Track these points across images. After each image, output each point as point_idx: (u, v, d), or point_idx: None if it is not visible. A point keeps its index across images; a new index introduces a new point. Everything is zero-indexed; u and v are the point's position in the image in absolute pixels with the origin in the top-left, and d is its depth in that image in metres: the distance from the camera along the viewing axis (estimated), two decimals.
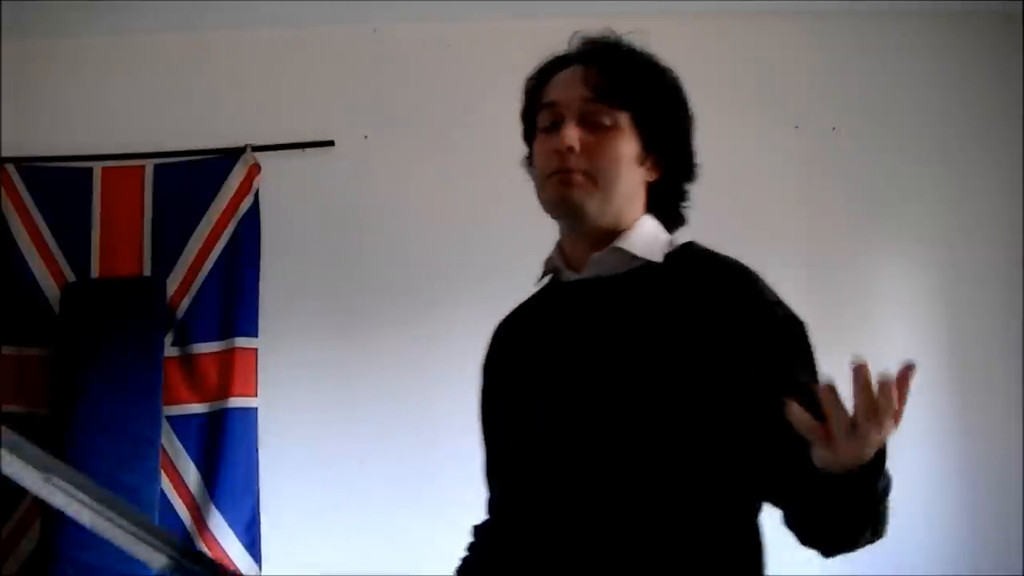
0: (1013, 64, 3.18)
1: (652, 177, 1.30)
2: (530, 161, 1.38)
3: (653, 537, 1.13)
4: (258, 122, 3.13)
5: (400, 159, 3.14)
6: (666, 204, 1.34)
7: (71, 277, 3.01)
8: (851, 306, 3.10)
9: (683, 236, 1.36)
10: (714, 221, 3.31)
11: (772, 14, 3.18)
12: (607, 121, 1.25)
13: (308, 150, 3.11)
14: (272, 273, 3.06)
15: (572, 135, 1.23)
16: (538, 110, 1.33)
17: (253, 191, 3.07)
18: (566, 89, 1.29)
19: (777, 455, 1.11)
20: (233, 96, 3.18)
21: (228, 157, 3.09)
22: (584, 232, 1.27)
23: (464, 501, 3.17)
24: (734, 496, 1.18)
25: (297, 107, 3.18)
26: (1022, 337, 3.06)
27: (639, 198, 1.29)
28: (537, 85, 1.37)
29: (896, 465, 3.13)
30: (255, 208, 3.07)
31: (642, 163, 1.28)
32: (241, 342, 2.99)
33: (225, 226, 3.05)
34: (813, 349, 1.26)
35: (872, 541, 1.22)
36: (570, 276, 1.30)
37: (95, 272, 3.03)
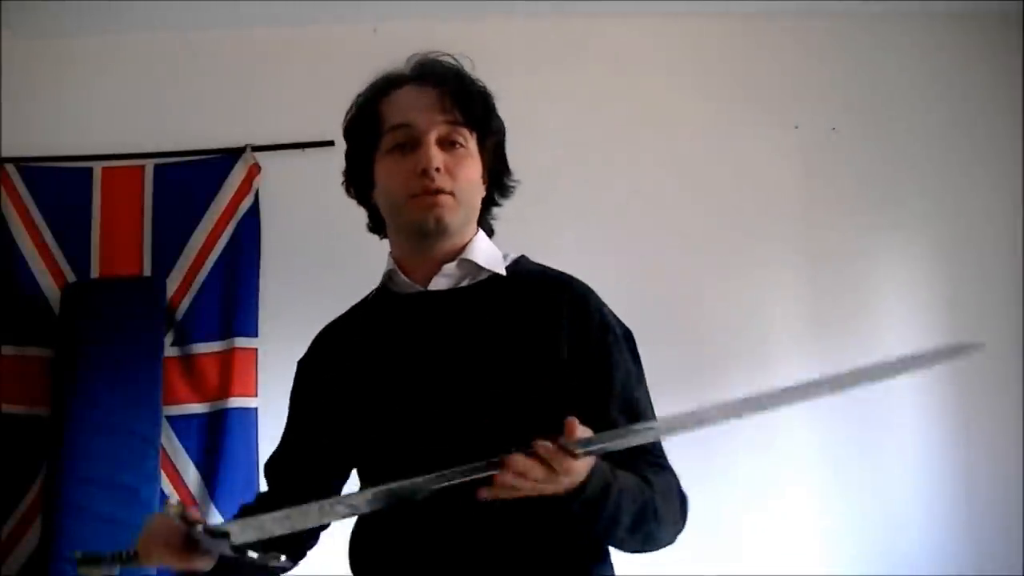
0: (1013, 64, 3.18)
1: (483, 194, 1.39)
2: (360, 185, 1.49)
3: (496, 520, 1.21)
4: (258, 122, 3.13)
5: None
6: (484, 218, 1.43)
7: (71, 277, 3.01)
8: (851, 305, 3.10)
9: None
10: (714, 221, 3.34)
11: (772, 14, 3.18)
12: (462, 143, 1.33)
13: (308, 150, 3.11)
14: (272, 273, 3.06)
15: (439, 157, 1.29)
16: (381, 130, 1.36)
17: (253, 191, 3.07)
18: (420, 111, 1.33)
19: None
20: (233, 96, 3.18)
21: (228, 157, 3.09)
22: (436, 248, 1.35)
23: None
24: None
25: (297, 107, 3.18)
26: (1022, 337, 3.06)
27: (473, 218, 1.38)
28: (371, 104, 1.42)
29: (896, 465, 3.12)
30: (255, 208, 3.07)
31: (484, 181, 1.37)
32: (241, 342, 2.99)
33: (225, 226, 3.05)
34: (634, 353, 1.38)
35: (643, 550, 1.28)
36: (412, 288, 1.38)
37: (95, 272, 3.03)
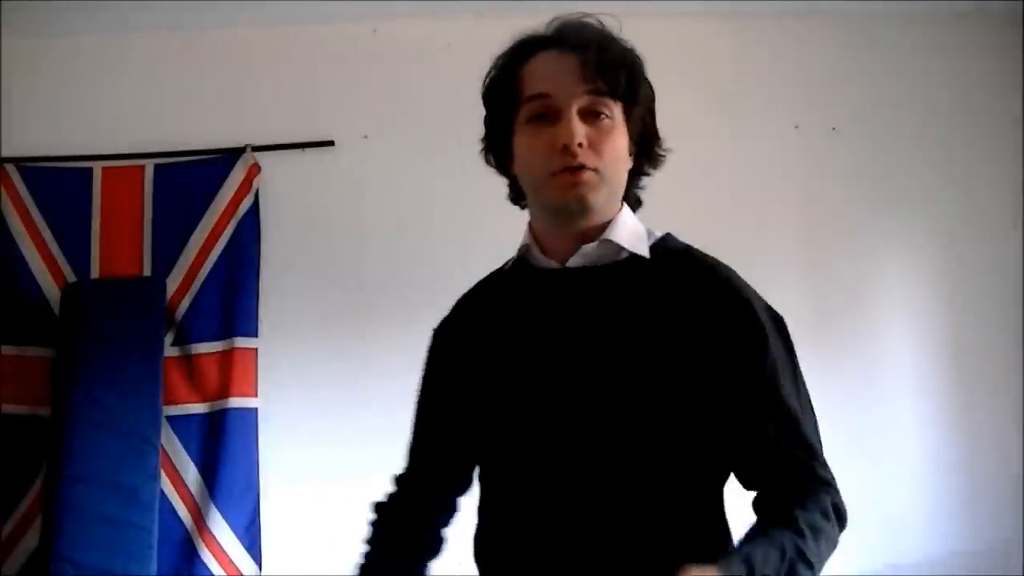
0: (1013, 64, 3.18)
1: (629, 166, 1.28)
2: (500, 154, 1.34)
3: (647, 518, 1.17)
4: (258, 122, 3.13)
5: (400, 159, 3.14)
6: (631, 190, 1.33)
7: (71, 277, 3.01)
8: (851, 305, 3.10)
9: (657, 227, 1.37)
10: (714, 221, 3.34)
11: (772, 14, 3.18)
12: (607, 114, 1.22)
13: (308, 150, 3.11)
14: (272, 273, 3.06)
15: (580, 131, 1.18)
16: (521, 100, 1.24)
17: (253, 191, 3.07)
18: (560, 80, 1.22)
19: (742, 445, 1.19)
20: (233, 96, 3.18)
21: (228, 157, 3.09)
22: (578, 226, 1.25)
23: (463, 501, 3.17)
24: (710, 478, 1.23)
25: (297, 107, 3.18)
26: (1022, 337, 3.06)
27: (620, 192, 1.29)
28: (511, 70, 1.29)
29: (897, 465, 3.13)
30: (255, 208, 3.07)
31: (629, 153, 1.26)
32: (241, 342, 2.99)
33: (225, 226, 3.05)
34: (787, 341, 1.28)
35: None
36: (549, 264, 1.29)
37: (95, 272, 3.03)
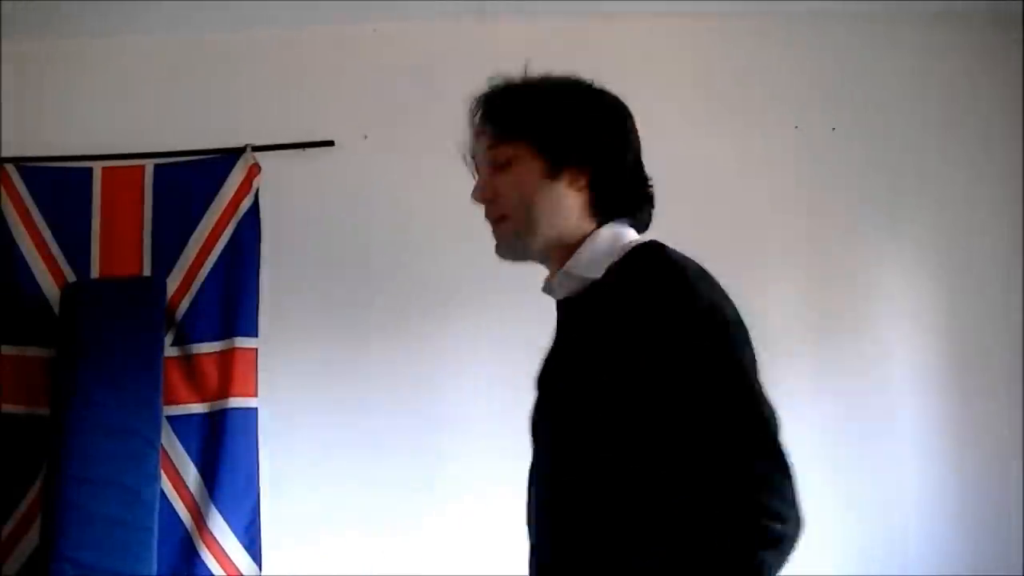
0: (1013, 64, 3.18)
1: (581, 184, 1.28)
2: None
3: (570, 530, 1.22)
4: (258, 122, 3.13)
5: (400, 159, 3.14)
6: (616, 202, 1.31)
7: (71, 277, 3.01)
8: (851, 306, 3.10)
9: (657, 226, 1.38)
10: (715, 221, 3.34)
11: (772, 14, 3.18)
12: (504, 158, 1.29)
13: (308, 150, 3.11)
14: (272, 273, 3.06)
15: (477, 188, 1.34)
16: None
17: (253, 191, 3.07)
18: (475, 143, 1.37)
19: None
20: (233, 96, 3.18)
21: (228, 157, 3.08)
22: (541, 260, 1.33)
23: (463, 501, 3.19)
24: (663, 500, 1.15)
25: (297, 107, 3.18)
26: (1022, 337, 3.06)
27: (574, 209, 1.28)
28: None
29: (896, 465, 3.13)
30: (255, 208, 3.07)
31: (555, 178, 1.27)
32: (241, 342, 2.98)
33: (225, 226, 3.04)
34: (722, 345, 1.17)
35: None
36: (552, 296, 1.37)
37: (95, 272, 3.03)
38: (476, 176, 1.36)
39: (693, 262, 1.25)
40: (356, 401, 3.02)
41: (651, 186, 1.39)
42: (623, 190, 1.31)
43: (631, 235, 1.30)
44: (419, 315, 3.06)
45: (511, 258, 1.33)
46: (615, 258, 1.25)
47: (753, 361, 1.18)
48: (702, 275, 1.23)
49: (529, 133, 1.28)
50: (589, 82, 1.42)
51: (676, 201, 3.14)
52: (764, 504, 1.12)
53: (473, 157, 1.38)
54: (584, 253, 1.27)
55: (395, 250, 3.11)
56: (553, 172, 1.27)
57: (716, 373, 1.11)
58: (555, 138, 1.27)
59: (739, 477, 1.09)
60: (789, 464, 1.18)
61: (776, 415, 1.16)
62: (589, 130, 1.30)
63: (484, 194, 1.31)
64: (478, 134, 1.34)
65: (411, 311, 3.06)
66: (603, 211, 1.30)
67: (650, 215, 1.38)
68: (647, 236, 1.35)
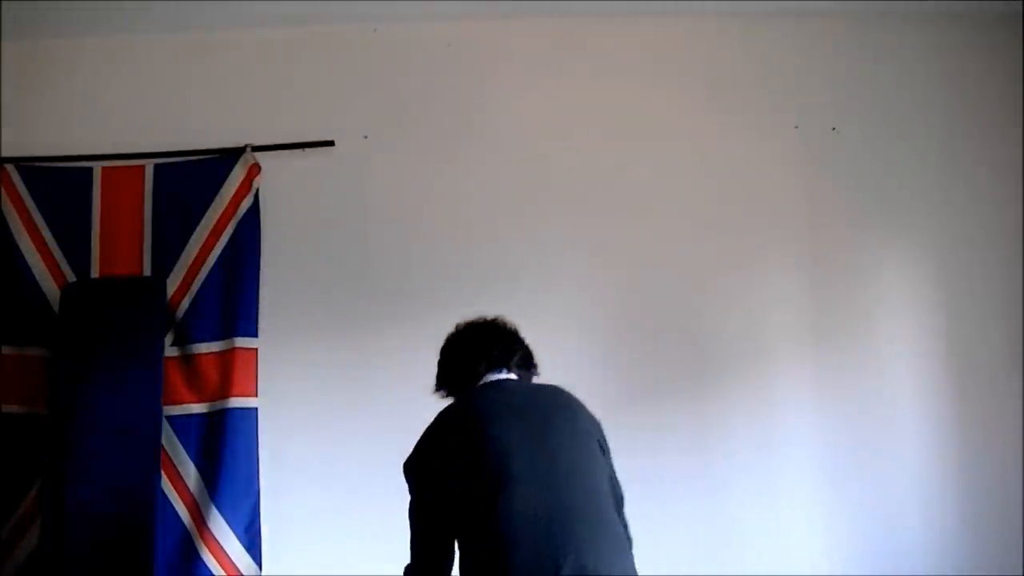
0: (1013, 64, 3.18)
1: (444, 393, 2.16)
2: None
3: None
4: (258, 122, 3.13)
5: (400, 159, 3.14)
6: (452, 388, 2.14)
7: (71, 277, 3.01)
8: (851, 305, 3.10)
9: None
10: (715, 221, 3.34)
11: (772, 14, 3.18)
12: None
13: (308, 150, 3.11)
14: (272, 273, 3.06)
15: None
16: None
17: (253, 191, 3.07)
18: None
19: None
20: (233, 96, 3.18)
21: (228, 157, 3.09)
22: None
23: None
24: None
25: (297, 107, 3.18)
26: (1022, 337, 3.06)
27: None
28: None
29: (897, 465, 3.12)
30: (255, 208, 3.07)
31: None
32: (241, 342, 2.99)
33: (225, 226, 3.05)
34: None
35: None
36: None
37: (95, 272, 3.03)
38: None
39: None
40: (356, 401, 3.01)
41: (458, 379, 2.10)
42: (454, 385, 2.13)
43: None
44: (419, 315, 3.06)
45: None
46: None
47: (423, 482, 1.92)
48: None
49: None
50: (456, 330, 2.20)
51: (676, 201, 3.17)
52: None
53: None
54: None
55: (395, 250, 3.11)
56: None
57: None
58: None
59: None
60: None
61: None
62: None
63: None
64: None
65: (411, 311, 3.06)
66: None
67: (485, 373, 2.05)
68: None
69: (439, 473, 1.86)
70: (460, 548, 1.83)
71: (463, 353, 2.14)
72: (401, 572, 1.93)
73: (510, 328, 2.15)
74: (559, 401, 1.95)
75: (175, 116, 3.16)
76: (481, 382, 2.03)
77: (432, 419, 2.00)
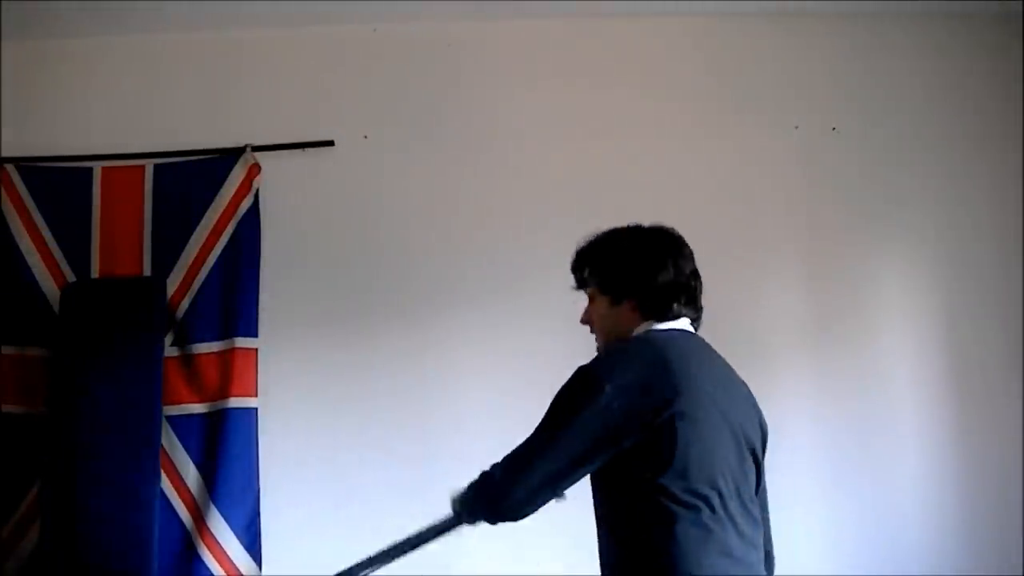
0: (1013, 64, 3.18)
1: (632, 306, 1.80)
2: None
3: None
4: (258, 122, 3.13)
5: (400, 159, 3.14)
6: (655, 312, 1.80)
7: (71, 277, 3.01)
8: (851, 305, 3.10)
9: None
10: (714, 221, 3.34)
11: (772, 14, 3.18)
12: (589, 295, 1.89)
13: (308, 150, 3.11)
14: (272, 273, 3.06)
15: (583, 316, 1.90)
16: None
17: (253, 191, 3.07)
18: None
19: None
20: (233, 96, 3.18)
21: (228, 157, 3.09)
22: None
23: None
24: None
25: (297, 107, 3.18)
26: (1022, 337, 3.06)
27: (630, 319, 1.80)
28: None
29: (896, 465, 3.12)
30: (255, 208, 3.07)
31: (618, 303, 1.82)
32: (241, 342, 2.99)
33: (225, 226, 3.05)
34: (566, 388, 1.69)
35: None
36: None
37: (95, 272, 3.03)
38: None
39: (640, 346, 1.74)
40: (356, 401, 3.02)
41: (686, 294, 1.84)
42: (659, 305, 1.81)
43: (649, 326, 1.78)
44: (419, 315, 3.06)
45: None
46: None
47: (588, 415, 1.62)
48: (624, 353, 1.73)
49: (594, 280, 1.87)
50: (640, 226, 1.95)
51: (676, 201, 3.16)
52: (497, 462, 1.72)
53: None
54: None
55: (395, 250, 3.11)
56: (615, 301, 1.82)
57: (553, 403, 1.69)
58: (608, 282, 1.85)
59: (499, 461, 1.72)
60: (529, 472, 1.65)
61: (554, 454, 1.63)
62: (628, 273, 1.83)
63: (584, 319, 1.89)
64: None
65: (411, 311, 3.06)
66: (648, 316, 1.80)
67: (682, 311, 1.83)
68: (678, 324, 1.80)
69: (648, 414, 1.59)
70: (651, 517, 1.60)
71: (668, 268, 1.83)
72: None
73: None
74: (752, 401, 1.81)
75: (175, 116, 3.16)
76: (672, 324, 1.79)
77: (643, 341, 1.74)
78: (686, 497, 1.58)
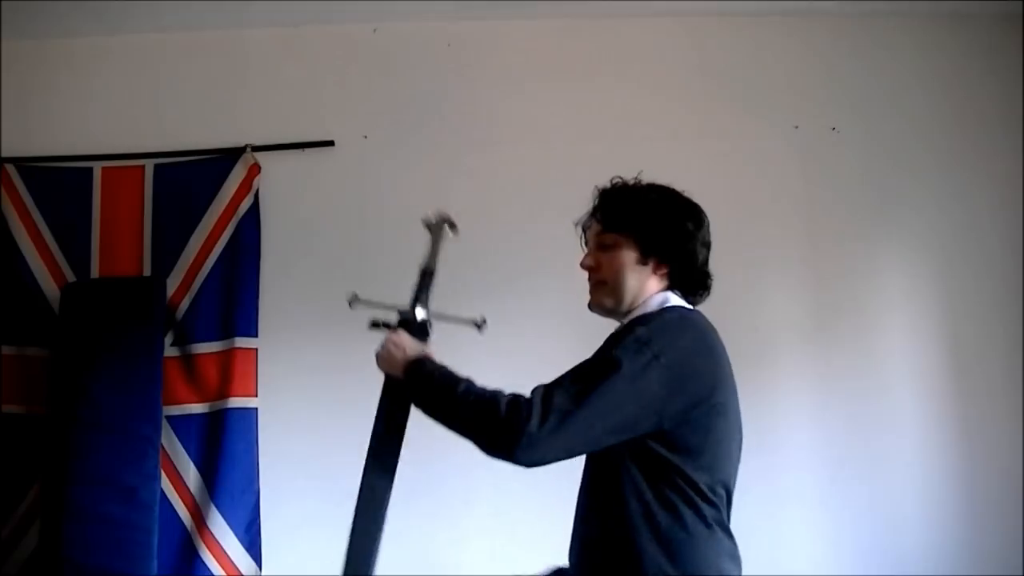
0: (1013, 64, 3.18)
1: (661, 270, 1.70)
2: None
3: None
4: (258, 122, 3.13)
5: (400, 159, 3.14)
6: (684, 283, 1.72)
7: (71, 277, 3.01)
8: (851, 305, 3.10)
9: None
10: (714, 221, 3.31)
11: (772, 14, 3.18)
12: (611, 242, 1.72)
13: (308, 150, 3.11)
14: (272, 273, 3.06)
15: (588, 259, 1.76)
16: None
17: (253, 191, 3.07)
18: (588, 223, 1.82)
19: None
20: (233, 96, 3.18)
21: (228, 157, 3.09)
22: (617, 317, 1.73)
23: (463, 501, 3.18)
24: None
25: (297, 107, 3.18)
26: (1022, 337, 3.06)
27: (652, 284, 1.70)
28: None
29: (896, 465, 3.12)
30: (255, 208, 3.07)
31: (644, 263, 1.69)
32: (241, 342, 2.99)
33: (225, 226, 3.05)
34: (593, 363, 1.57)
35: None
36: None
37: (95, 272, 3.03)
38: (584, 246, 1.80)
39: (677, 320, 1.63)
40: (356, 401, 3.00)
41: (711, 281, 1.76)
42: (690, 284, 1.73)
43: (667, 299, 1.69)
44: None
45: (599, 313, 1.74)
46: (650, 311, 1.67)
47: (642, 385, 1.51)
48: (664, 328, 1.60)
49: (631, 229, 1.70)
50: (681, 193, 1.80)
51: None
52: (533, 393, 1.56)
53: (584, 231, 1.82)
54: (640, 311, 1.68)
55: (395, 250, 3.10)
56: (643, 260, 1.69)
57: (597, 355, 1.59)
58: (650, 238, 1.69)
59: (546, 386, 1.57)
60: (566, 408, 1.50)
61: (593, 405, 1.50)
62: (675, 237, 1.70)
63: (588, 263, 1.75)
64: (594, 220, 1.78)
65: None
66: (673, 287, 1.72)
67: (702, 298, 1.76)
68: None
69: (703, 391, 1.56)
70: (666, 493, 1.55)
71: (708, 248, 1.76)
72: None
73: None
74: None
75: (175, 116, 3.16)
76: (698, 302, 1.74)
77: (683, 316, 1.66)
78: (707, 491, 1.58)
